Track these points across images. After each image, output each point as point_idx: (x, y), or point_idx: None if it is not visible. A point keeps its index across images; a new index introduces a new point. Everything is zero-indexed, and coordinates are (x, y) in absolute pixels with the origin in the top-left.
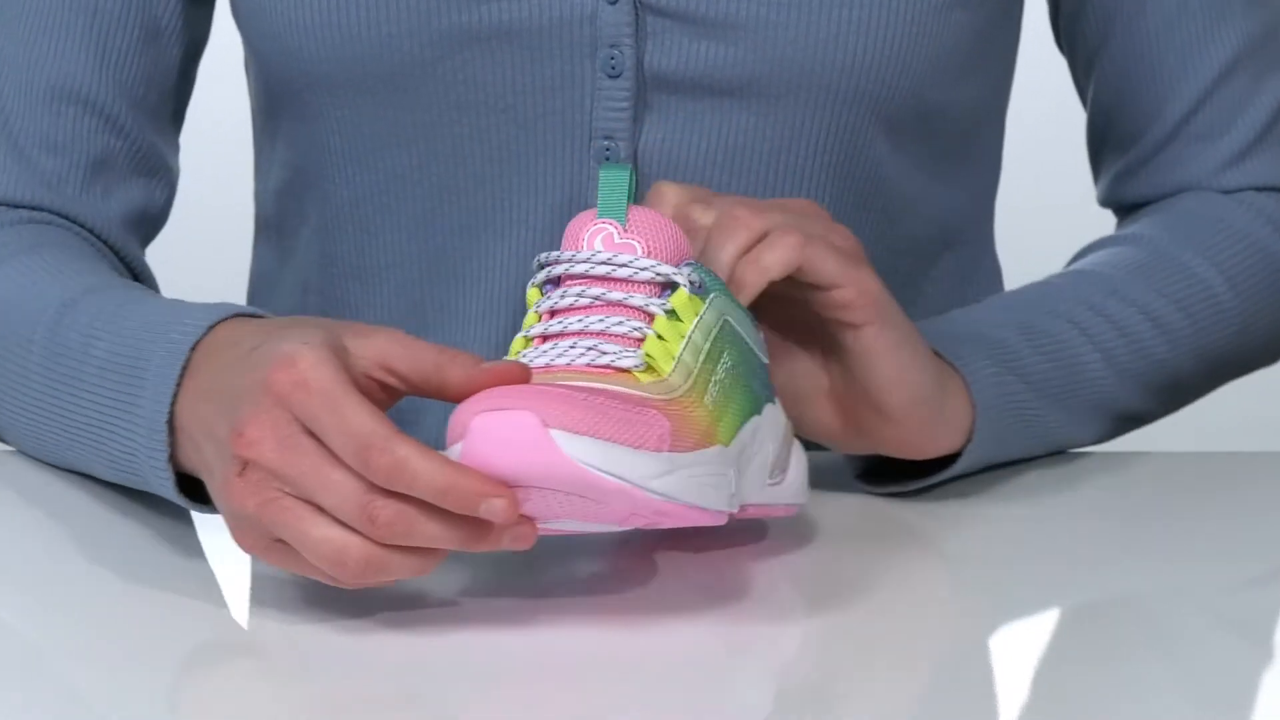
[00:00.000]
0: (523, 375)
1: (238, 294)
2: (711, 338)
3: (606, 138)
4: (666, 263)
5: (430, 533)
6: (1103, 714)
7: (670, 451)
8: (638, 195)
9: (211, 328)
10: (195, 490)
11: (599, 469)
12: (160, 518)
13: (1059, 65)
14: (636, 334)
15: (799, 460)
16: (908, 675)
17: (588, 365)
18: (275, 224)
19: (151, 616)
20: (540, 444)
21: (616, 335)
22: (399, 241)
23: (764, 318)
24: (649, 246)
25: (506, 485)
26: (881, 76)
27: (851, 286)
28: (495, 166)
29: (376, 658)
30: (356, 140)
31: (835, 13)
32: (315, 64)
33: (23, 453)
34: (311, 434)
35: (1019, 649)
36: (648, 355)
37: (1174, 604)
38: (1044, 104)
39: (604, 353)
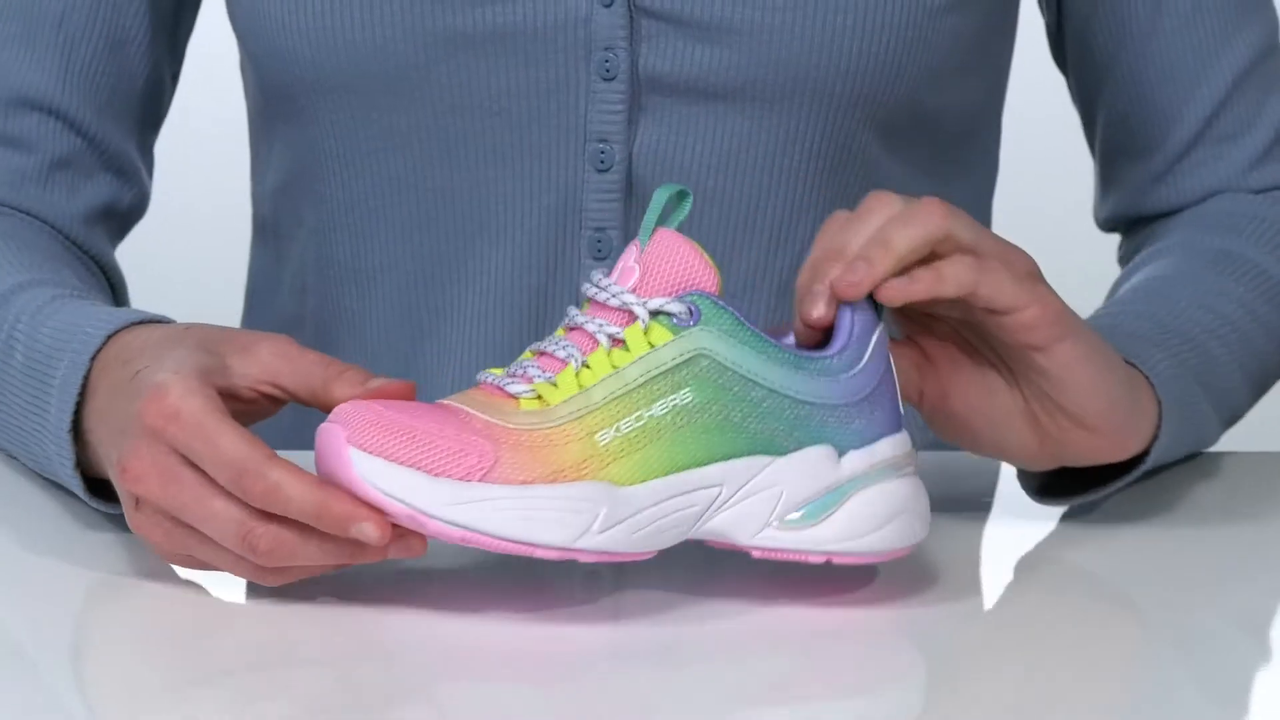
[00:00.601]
0: (406, 392)
1: (236, 295)
2: (657, 374)
3: (601, 141)
4: (662, 293)
5: (312, 554)
6: (1115, 713)
7: (485, 481)
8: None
9: (110, 337)
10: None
11: (384, 491)
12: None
13: (1055, 69)
14: (570, 360)
15: (866, 507)
16: (908, 673)
17: (491, 386)
18: (272, 226)
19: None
20: (340, 459)
21: (551, 358)
22: (394, 244)
23: (944, 347)
24: (646, 273)
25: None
26: (876, 80)
27: (1033, 306)
28: (490, 170)
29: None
30: (351, 143)
31: (830, 17)
32: (310, 67)
33: None
34: (192, 464)
35: (1024, 648)
36: (539, 385)
37: (1185, 604)
38: (1042, 107)
39: (517, 377)
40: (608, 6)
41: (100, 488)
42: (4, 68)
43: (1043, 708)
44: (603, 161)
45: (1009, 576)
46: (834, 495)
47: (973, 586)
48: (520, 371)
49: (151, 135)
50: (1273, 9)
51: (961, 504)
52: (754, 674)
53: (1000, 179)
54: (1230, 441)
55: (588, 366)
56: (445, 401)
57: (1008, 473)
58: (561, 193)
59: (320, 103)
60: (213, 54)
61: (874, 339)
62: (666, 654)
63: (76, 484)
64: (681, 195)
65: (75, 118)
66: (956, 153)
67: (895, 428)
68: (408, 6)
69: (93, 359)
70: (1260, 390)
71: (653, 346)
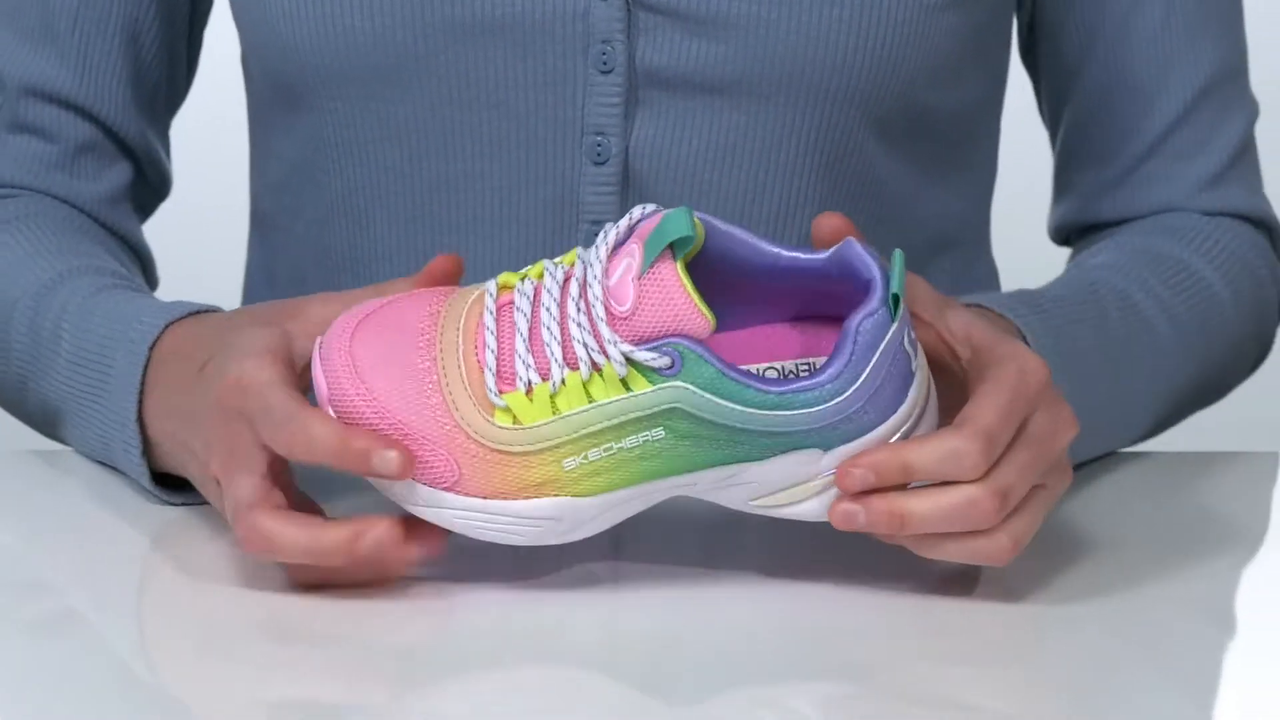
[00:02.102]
0: (453, 265)
1: (233, 288)
2: (633, 416)
3: (598, 134)
4: (650, 329)
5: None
6: (1093, 712)
7: (451, 492)
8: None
9: (167, 327)
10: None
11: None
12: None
13: None
14: (550, 373)
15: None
16: (892, 671)
17: (482, 354)
18: (270, 218)
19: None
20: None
21: (541, 353)
22: (392, 234)
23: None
24: (640, 302)
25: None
26: (872, 76)
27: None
28: (487, 161)
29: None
30: (350, 133)
31: (826, 11)
32: (309, 56)
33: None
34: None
35: (1009, 646)
36: (513, 400)
37: (1164, 603)
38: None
39: (503, 374)
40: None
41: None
42: (23, 60)
43: (1030, 700)
44: (599, 154)
45: (1011, 576)
46: (815, 482)
47: (974, 584)
48: (508, 366)
49: (168, 118)
50: (1242, 33)
51: None
52: (751, 671)
53: (1000, 179)
54: (1221, 441)
55: (565, 386)
56: (438, 351)
57: None
58: (558, 185)
59: (320, 92)
60: (211, 49)
61: (878, 352)
62: (664, 649)
63: (143, 472)
64: (691, 221)
65: (94, 109)
66: (954, 151)
67: (891, 412)
68: None
69: (150, 349)
70: (1168, 406)
71: (630, 391)
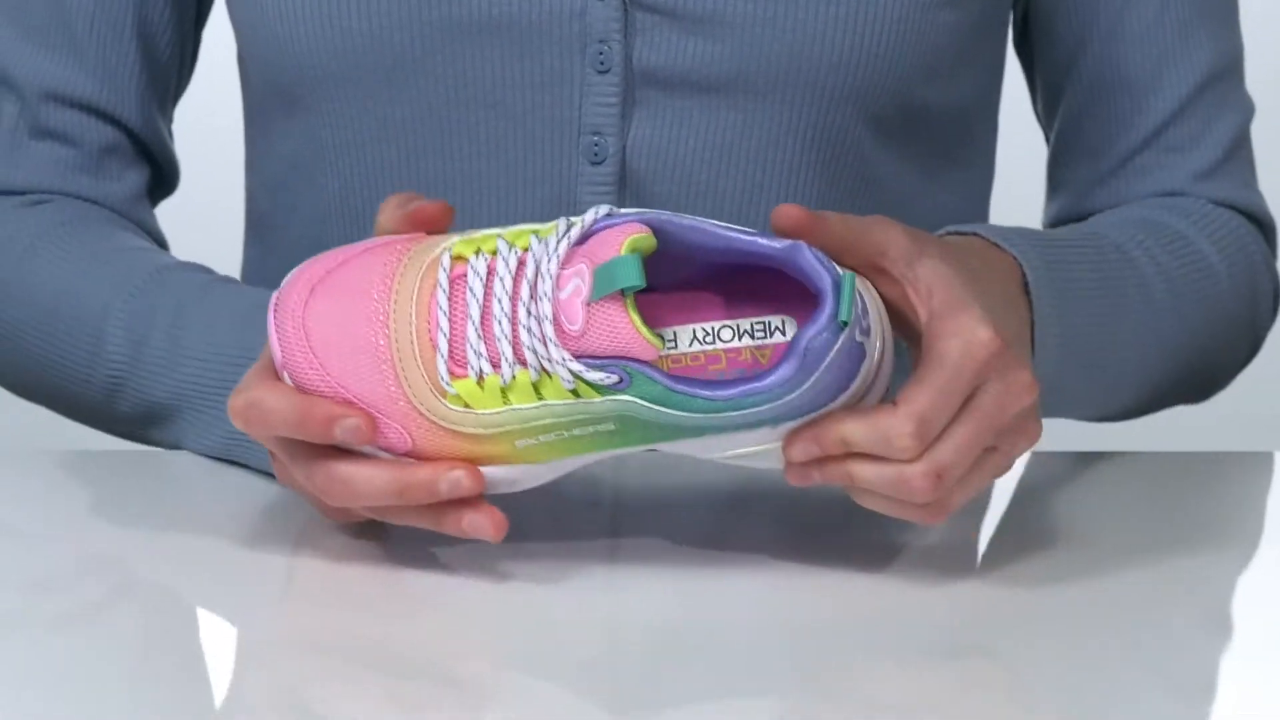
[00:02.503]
0: (443, 213)
1: None
2: (583, 416)
3: (595, 133)
4: (599, 347)
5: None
6: (1086, 712)
7: (404, 457)
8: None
9: None
10: None
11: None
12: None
13: None
14: (500, 370)
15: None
16: (888, 669)
17: (433, 332)
18: (267, 217)
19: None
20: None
21: (490, 338)
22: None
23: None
24: (589, 324)
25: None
26: (869, 74)
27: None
28: (484, 161)
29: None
30: (346, 133)
31: (823, 10)
32: (306, 55)
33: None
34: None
35: (1002, 645)
36: (463, 387)
37: (1159, 603)
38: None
39: (456, 358)
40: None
41: None
42: (41, 66)
43: (1030, 701)
44: (596, 154)
45: (1009, 578)
46: (769, 445)
47: (970, 584)
48: (460, 348)
49: (172, 109)
50: (1237, 31)
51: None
52: (747, 667)
53: (998, 179)
54: (1215, 441)
55: (515, 381)
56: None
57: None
58: (555, 185)
59: (316, 92)
60: (207, 48)
61: (825, 360)
62: (663, 645)
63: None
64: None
65: (115, 111)
66: (951, 149)
67: (841, 391)
68: None
69: None
70: (1158, 372)
71: (580, 398)
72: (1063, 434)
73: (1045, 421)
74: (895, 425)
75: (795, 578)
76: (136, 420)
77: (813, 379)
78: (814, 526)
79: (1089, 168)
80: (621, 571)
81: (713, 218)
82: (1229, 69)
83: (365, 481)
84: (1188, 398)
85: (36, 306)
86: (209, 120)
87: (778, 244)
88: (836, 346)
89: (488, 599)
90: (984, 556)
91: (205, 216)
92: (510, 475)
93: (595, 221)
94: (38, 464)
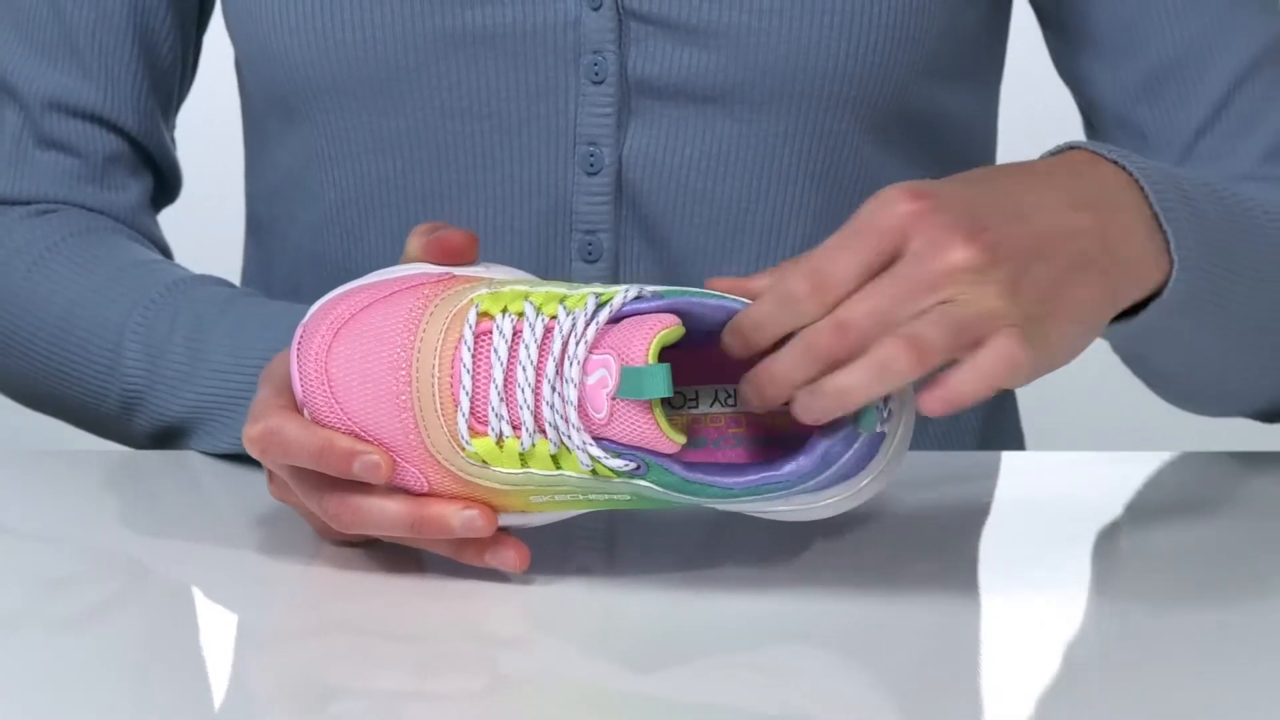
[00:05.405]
0: (467, 243)
1: None
2: (599, 491)
3: (590, 144)
4: (622, 437)
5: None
6: (1086, 711)
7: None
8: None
9: None
10: None
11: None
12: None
13: (1053, 69)
14: (521, 433)
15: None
16: (892, 671)
17: (455, 386)
18: (266, 223)
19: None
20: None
21: (512, 402)
22: (384, 245)
23: None
24: (609, 418)
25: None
26: (865, 82)
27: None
28: (479, 173)
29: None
30: (342, 145)
31: (817, 19)
32: (301, 68)
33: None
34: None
35: (1002, 646)
36: (481, 445)
37: (1161, 603)
38: (1039, 109)
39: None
40: (596, 9)
41: None
42: (43, 76)
43: (1031, 703)
44: (592, 165)
45: (1007, 576)
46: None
47: (971, 586)
48: (481, 406)
49: (175, 116)
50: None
51: (962, 504)
52: (747, 665)
53: None
54: (1228, 441)
55: (535, 449)
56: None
57: (1008, 473)
58: (551, 196)
59: (311, 104)
60: (207, 53)
61: (847, 456)
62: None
63: None
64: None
65: (118, 121)
66: (950, 155)
67: (861, 469)
68: (398, 8)
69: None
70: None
71: (596, 476)
72: (1064, 434)
73: (1049, 422)
74: (788, 280)
75: (794, 575)
76: (151, 434)
77: (830, 471)
78: (814, 525)
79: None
80: (620, 567)
81: (710, 227)
82: (1276, 47)
83: (379, 512)
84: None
85: (48, 318)
86: (210, 121)
87: None
88: (855, 447)
89: (487, 598)
90: (983, 557)
91: (205, 219)
92: (524, 518)
93: (624, 304)
94: (46, 463)
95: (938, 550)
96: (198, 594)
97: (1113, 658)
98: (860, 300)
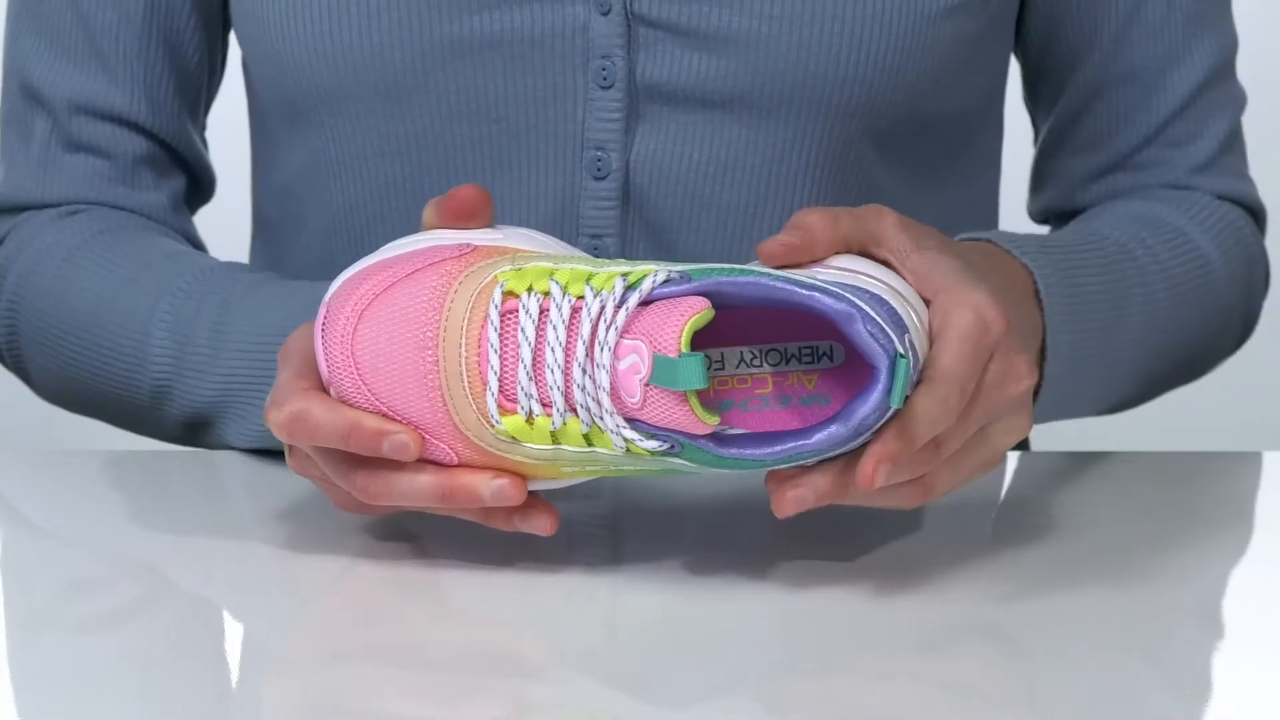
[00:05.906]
0: (479, 197)
1: None
2: (631, 464)
3: (598, 149)
4: (655, 420)
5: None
6: (1085, 711)
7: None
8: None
9: None
10: None
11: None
12: None
13: None
14: (552, 411)
15: None
16: (893, 671)
17: (482, 365)
18: (274, 223)
19: None
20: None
21: (541, 381)
22: None
23: None
24: (642, 403)
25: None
26: (874, 89)
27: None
28: (487, 177)
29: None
30: (350, 149)
31: (827, 26)
32: (309, 73)
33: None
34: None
35: (1002, 646)
36: (512, 423)
37: (1159, 604)
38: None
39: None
40: (605, 14)
41: None
42: (69, 80)
43: (1031, 702)
44: (600, 169)
45: (1007, 576)
46: None
47: (971, 586)
48: (510, 384)
49: (204, 116)
50: (1232, 22)
51: (962, 504)
52: (749, 665)
53: (1008, 180)
54: (1214, 442)
55: (566, 427)
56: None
57: (1008, 473)
58: (558, 200)
59: (319, 109)
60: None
61: (877, 425)
62: (663, 643)
63: None
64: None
65: (146, 122)
66: (956, 157)
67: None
68: (406, 13)
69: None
70: (1155, 366)
71: (630, 453)
72: (1060, 434)
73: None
74: (949, 394)
75: (796, 574)
76: (183, 423)
77: (860, 439)
78: (814, 524)
79: (1084, 162)
80: (623, 566)
81: (716, 232)
82: (1228, 63)
83: (409, 485)
84: (1180, 383)
85: (79, 314)
86: (215, 120)
87: (835, 305)
88: (885, 418)
89: (488, 596)
90: (983, 557)
91: (209, 216)
92: (555, 483)
93: (654, 289)
94: (73, 464)
95: (938, 550)
96: (219, 607)
97: (1115, 656)
98: (956, 435)
